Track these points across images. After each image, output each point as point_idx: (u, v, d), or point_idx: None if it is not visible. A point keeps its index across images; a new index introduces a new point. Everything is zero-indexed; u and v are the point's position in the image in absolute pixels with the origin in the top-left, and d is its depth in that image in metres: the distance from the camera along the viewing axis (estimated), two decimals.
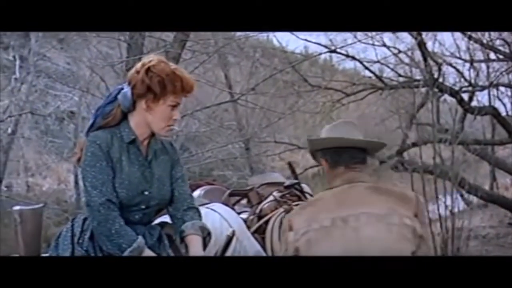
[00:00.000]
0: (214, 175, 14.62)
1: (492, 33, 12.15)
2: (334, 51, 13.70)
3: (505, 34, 11.91)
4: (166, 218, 3.69)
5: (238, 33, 12.76)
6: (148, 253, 3.28)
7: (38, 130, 21.09)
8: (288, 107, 13.82)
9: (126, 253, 3.20)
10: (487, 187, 14.85)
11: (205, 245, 3.51)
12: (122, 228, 3.24)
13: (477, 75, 13.34)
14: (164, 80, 3.31)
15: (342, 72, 17.98)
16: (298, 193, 4.81)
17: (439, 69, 12.24)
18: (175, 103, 3.38)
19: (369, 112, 16.22)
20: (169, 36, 10.54)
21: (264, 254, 4.14)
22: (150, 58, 3.41)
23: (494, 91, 13.88)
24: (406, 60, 13.83)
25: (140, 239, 3.27)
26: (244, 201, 4.99)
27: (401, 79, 13.68)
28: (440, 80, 12.18)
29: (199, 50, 11.51)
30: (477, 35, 12.13)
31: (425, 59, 12.03)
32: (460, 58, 13.50)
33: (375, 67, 14.14)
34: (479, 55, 13.39)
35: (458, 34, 12.67)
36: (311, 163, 9.22)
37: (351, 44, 13.12)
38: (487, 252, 11.09)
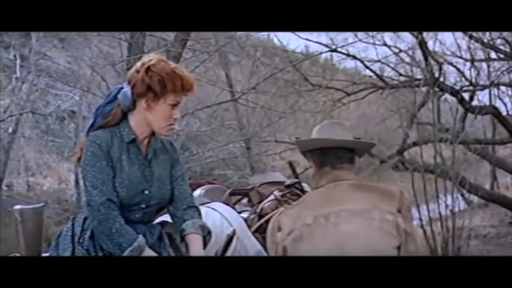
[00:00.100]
0: (215, 174, 14.61)
1: (492, 32, 12.15)
2: (335, 50, 13.73)
3: (505, 33, 11.90)
4: (166, 217, 3.69)
5: (239, 32, 12.76)
6: (148, 252, 3.28)
7: (39, 130, 21.11)
8: (289, 106, 13.84)
9: (126, 252, 3.20)
10: (487, 187, 14.86)
11: (205, 244, 3.51)
12: (122, 227, 3.24)
13: (478, 74, 13.35)
14: (164, 79, 3.30)
15: (343, 71, 18.00)
16: (298, 192, 4.80)
17: (440, 68, 12.25)
18: (175, 102, 3.38)
19: (369, 111, 16.25)
20: (169, 35, 10.55)
21: (264, 254, 4.13)
22: (150, 57, 3.41)
23: (494, 91, 13.90)
24: (407, 59, 13.87)
25: (141, 238, 3.27)
26: (244, 200, 4.98)
27: (402, 78, 13.70)
28: (441, 79, 12.20)
29: (200, 49, 11.53)
30: (477, 34, 12.14)
31: (426, 58, 12.04)
32: (461, 57, 13.51)
33: (376, 66, 14.17)
34: (480, 54, 13.41)
35: (458, 33, 12.67)
36: None
37: (352, 43, 13.15)
38: (487, 251, 11.09)
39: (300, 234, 3.57)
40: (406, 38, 13.33)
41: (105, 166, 3.31)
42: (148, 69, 3.33)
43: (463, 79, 13.25)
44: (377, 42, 13.52)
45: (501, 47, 12.85)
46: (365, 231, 3.48)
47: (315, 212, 3.60)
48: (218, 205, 4.35)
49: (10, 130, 16.56)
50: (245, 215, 4.59)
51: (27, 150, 20.38)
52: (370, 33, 12.57)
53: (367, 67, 13.92)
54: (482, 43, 12.62)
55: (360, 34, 12.82)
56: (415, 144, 12.46)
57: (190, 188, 3.71)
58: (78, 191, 15.52)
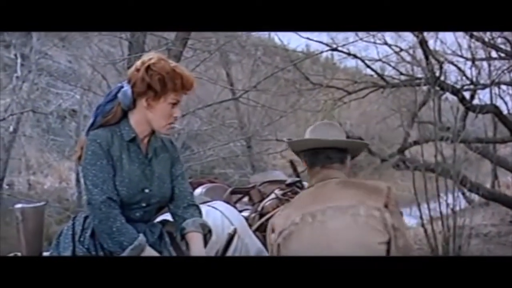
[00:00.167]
0: (216, 173, 14.61)
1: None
2: (335, 49, 13.72)
3: (506, 33, 11.90)
4: (167, 216, 3.69)
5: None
6: (149, 251, 3.28)
7: (40, 128, 21.11)
8: (289, 105, 13.86)
9: (127, 251, 3.20)
10: (488, 186, 14.84)
11: (206, 242, 3.51)
12: (123, 226, 3.24)
13: (479, 73, 13.34)
14: (165, 78, 3.30)
15: (343, 70, 18.02)
16: (299, 191, 4.81)
17: (441, 67, 12.24)
18: (175, 101, 3.38)
19: (370, 110, 16.25)
20: (170, 34, 10.55)
21: (265, 252, 4.13)
22: (150, 56, 3.40)
23: (495, 89, 13.89)
24: (408, 58, 13.87)
25: (141, 237, 3.27)
26: (245, 199, 4.98)
27: (402, 77, 13.68)
28: (442, 78, 12.18)
29: (201, 48, 11.54)
30: (478, 33, 12.13)
31: (426, 57, 12.03)
32: (461, 56, 13.51)
33: (377, 65, 14.16)
34: (481, 53, 13.40)
35: (459, 33, 12.66)
36: None
37: (352, 42, 13.16)
38: (488, 250, 11.07)
39: (289, 233, 3.63)
40: (407, 37, 13.35)
41: (105, 164, 3.31)
42: (148, 68, 3.32)
43: (464, 78, 13.26)
44: (378, 41, 13.54)
45: (502, 46, 12.84)
46: (351, 227, 3.52)
47: (303, 210, 3.66)
48: (219, 204, 4.36)
49: (11, 129, 16.57)
50: (246, 214, 4.60)
51: (28, 149, 20.37)
52: (371, 32, 12.57)
53: (368, 66, 13.91)
54: (483, 42, 12.61)
55: (361, 33, 12.83)
56: (416, 143, 12.46)
57: (190, 187, 3.71)
58: (79, 190, 15.54)
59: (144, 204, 3.42)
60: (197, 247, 3.42)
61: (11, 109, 16.01)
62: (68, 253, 3.33)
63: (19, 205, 3.72)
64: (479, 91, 13.45)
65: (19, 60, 19.33)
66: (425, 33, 11.84)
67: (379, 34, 13.13)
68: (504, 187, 16.14)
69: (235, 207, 4.58)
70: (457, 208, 10.26)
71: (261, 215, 4.54)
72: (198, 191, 4.73)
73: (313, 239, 3.56)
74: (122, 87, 3.42)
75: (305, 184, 4.93)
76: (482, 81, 13.30)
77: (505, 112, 13.55)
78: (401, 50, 13.74)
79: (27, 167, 20.54)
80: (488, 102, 13.45)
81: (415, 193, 10.26)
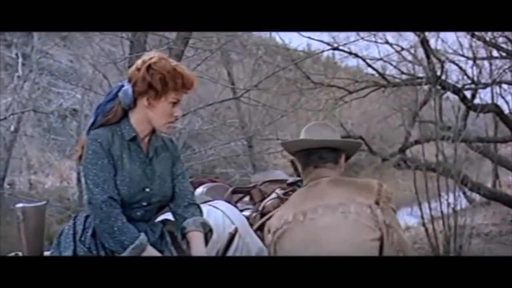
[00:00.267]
0: (217, 172, 14.61)
1: None
2: (336, 49, 13.69)
3: (507, 32, 11.88)
4: (168, 216, 3.69)
5: None
6: (150, 250, 3.28)
7: (41, 128, 21.14)
8: (290, 104, 13.85)
9: (128, 250, 3.20)
10: (489, 185, 14.83)
11: (206, 241, 3.51)
12: (124, 225, 3.24)
13: (480, 72, 13.31)
14: (166, 77, 3.30)
15: (344, 69, 18.03)
16: None
17: (442, 67, 12.23)
18: (176, 100, 3.38)
19: (371, 109, 16.25)
20: (172, 33, 10.54)
21: (266, 252, 4.14)
22: (151, 55, 3.40)
23: (497, 89, 13.87)
24: (409, 57, 13.85)
25: (143, 236, 3.27)
26: (246, 199, 4.98)
27: (403, 76, 13.65)
28: (443, 77, 12.17)
29: (202, 47, 11.54)
30: (479, 32, 12.11)
31: (428, 57, 12.01)
32: (463, 55, 13.49)
33: (378, 65, 14.12)
34: (482, 53, 13.37)
35: (461, 32, 12.66)
36: None
37: (353, 41, 13.13)
38: (489, 249, 11.06)
39: (282, 232, 3.70)
40: (408, 37, 13.33)
41: (106, 164, 3.31)
42: (149, 67, 3.32)
43: (465, 77, 13.22)
44: (379, 41, 13.51)
45: (503, 45, 12.82)
46: (341, 225, 3.57)
47: (295, 209, 3.72)
48: (220, 203, 4.36)
49: (12, 128, 16.60)
50: (247, 213, 4.60)
51: (29, 148, 20.40)
52: (372, 31, 12.57)
53: (369, 65, 13.88)
54: (484, 42, 12.59)
55: (362, 33, 12.80)
56: (417, 142, 12.44)
57: (191, 186, 3.72)
58: (79, 189, 15.52)
59: (145, 204, 3.43)
60: (198, 246, 3.42)
61: (12, 108, 16.05)
62: (69, 252, 3.33)
63: (20, 205, 3.72)
64: (480, 91, 13.43)
65: (20, 60, 19.37)
66: (426, 33, 11.83)
67: (380, 34, 13.12)
68: (505, 186, 16.12)
69: (236, 206, 4.58)
70: (458, 207, 10.24)
71: (262, 215, 4.54)
72: (199, 190, 4.72)
73: (304, 237, 3.61)
74: (122, 86, 3.42)
75: None
76: (483, 81, 13.28)
77: (506, 111, 13.53)
78: (402, 49, 13.72)
79: (28, 167, 20.56)
80: (489, 101, 13.42)
81: (416, 192, 10.24)
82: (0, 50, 19.28)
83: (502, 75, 13.30)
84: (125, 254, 3.20)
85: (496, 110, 13.00)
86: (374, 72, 14.05)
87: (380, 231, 3.53)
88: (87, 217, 3.40)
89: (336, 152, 3.90)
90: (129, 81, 3.39)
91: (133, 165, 3.38)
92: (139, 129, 3.42)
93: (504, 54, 12.98)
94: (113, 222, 3.22)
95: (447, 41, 13.63)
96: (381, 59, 13.86)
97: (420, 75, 12.66)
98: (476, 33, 11.99)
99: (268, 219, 4.29)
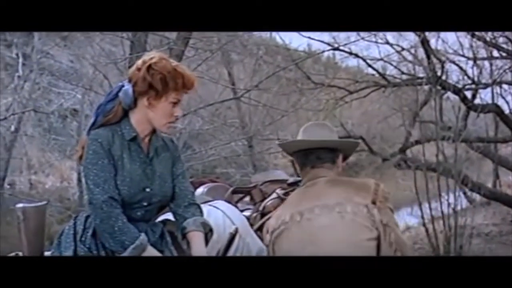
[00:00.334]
0: (217, 172, 14.62)
1: None
2: (337, 49, 13.70)
3: (508, 32, 11.88)
4: (169, 216, 3.69)
5: None
6: (150, 250, 3.28)
7: (41, 128, 21.14)
8: (291, 104, 13.86)
9: (129, 250, 3.20)
10: (490, 185, 14.83)
11: (207, 241, 3.51)
12: (124, 225, 3.24)
13: (480, 72, 13.32)
14: (166, 77, 3.30)
15: (345, 69, 18.03)
16: None
17: (442, 67, 12.24)
18: (176, 100, 3.38)
19: (372, 109, 16.26)
20: (172, 33, 10.55)
21: (267, 252, 4.14)
22: (151, 55, 3.41)
23: (497, 89, 13.89)
24: (409, 57, 13.86)
25: (143, 236, 3.27)
26: (247, 199, 4.98)
27: (404, 76, 13.67)
28: (443, 77, 12.18)
29: (202, 47, 11.54)
30: (480, 33, 12.11)
31: (428, 57, 12.02)
32: (463, 55, 13.50)
33: (378, 65, 14.14)
34: (482, 53, 13.38)
35: (461, 32, 12.66)
36: None
37: (354, 41, 13.15)
38: (490, 249, 11.07)
39: (279, 232, 3.72)
40: (409, 37, 13.34)
41: (106, 164, 3.30)
42: (149, 67, 3.32)
43: (465, 77, 13.24)
44: (380, 41, 13.52)
45: (504, 45, 12.83)
46: (338, 225, 3.58)
47: (292, 210, 3.74)
48: (221, 204, 4.36)
49: (13, 128, 16.61)
50: (247, 213, 4.60)
51: (29, 148, 20.40)
52: (373, 31, 12.58)
53: (370, 66, 13.89)
54: (485, 42, 12.60)
55: (363, 33, 12.81)
56: (417, 142, 12.46)
57: (191, 186, 3.72)
58: (80, 190, 15.53)
59: (145, 204, 3.42)
60: (198, 246, 3.42)
61: (12, 108, 16.06)
62: (69, 252, 3.33)
63: (20, 205, 3.72)
64: (480, 91, 13.44)
65: (20, 60, 19.37)
66: (426, 33, 11.83)
67: (381, 34, 13.13)
68: (505, 186, 16.11)
69: (236, 206, 4.58)
70: (459, 207, 10.26)
71: (263, 215, 4.54)
72: (199, 190, 4.72)
73: (301, 237, 3.63)
74: (123, 86, 3.42)
75: None
76: (483, 81, 13.29)
77: (506, 111, 13.53)
78: (403, 49, 13.73)
79: (28, 167, 20.56)
80: (490, 101, 13.43)
81: (417, 192, 10.26)
82: (0, 50, 19.28)
83: (503, 75, 13.31)
84: (125, 254, 3.20)
85: (496, 110, 13.01)
86: (374, 72, 14.07)
87: (377, 231, 3.54)
88: (87, 217, 3.40)
89: (333, 152, 3.92)
90: (130, 81, 3.39)
91: (133, 165, 3.38)
92: (139, 129, 3.42)
93: (504, 54, 12.99)
94: (114, 222, 3.22)
95: (447, 41, 13.65)
96: (381, 59, 13.87)
97: (421, 75, 12.67)
98: (477, 33, 12.00)
99: (269, 219, 4.29)
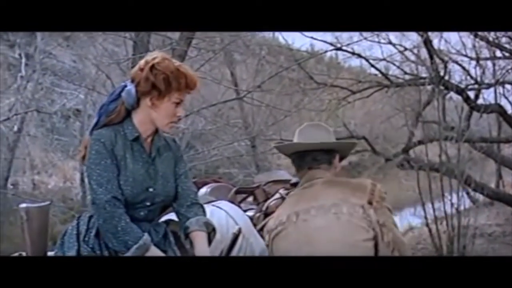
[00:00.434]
0: (220, 172, 14.63)
1: None
2: (340, 49, 13.71)
3: (511, 32, 11.87)
4: (172, 216, 3.69)
5: None
6: (154, 250, 3.27)
7: (44, 128, 21.17)
8: (294, 104, 13.86)
9: (132, 250, 3.20)
10: (493, 185, 14.83)
11: (210, 241, 3.51)
12: (128, 225, 3.24)
13: (483, 72, 13.34)
14: (169, 77, 3.30)
15: (348, 69, 18.01)
16: None
17: (445, 67, 12.24)
18: (179, 100, 3.38)
19: (374, 109, 16.26)
20: (175, 33, 10.55)
21: None
22: (154, 56, 3.40)
23: (500, 89, 13.91)
24: (412, 57, 13.87)
25: (146, 236, 3.27)
26: (250, 199, 4.99)
27: (407, 76, 13.68)
28: (446, 77, 12.17)
29: (205, 47, 11.55)
30: (483, 33, 12.10)
31: (431, 57, 12.02)
32: (466, 55, 13.50)
33: (381, 65, 14.16)
34: (485, 53, 13.38)
35: (464, 32, 12.65)
36: None
37: (357, 41, 13.16)
38: (493, 250, 11.07)
39: (277, 233, 3.75)
40: (411, 37, 13.35)
41: (109, 164, 3.30)
42: (152, 67, 3.32)
43: (468, 77, 13.25)
44: (382, 41, 13.54)
45: (507, 45, 12.81)
46: (333, 225, 3.59)
47: (289, 210, 3.77)
48: (224, 204, 4.36)
49: (16, 128, 16.61)
50: (250, 213, 4.61)
51: (32, 148, 20.43)
52: (375, 31, 12.58)
53: (372, 66, 13.91)
54: (487, 42, 12.59)
55: (365, 33, 12.81)
56: (420, 142, 12.46)
57: (193, 185, 3.71)
58: (83, 190, 15.55)
59: (148, 203, 3.42)
60: (201, 246, 3.42)
61: (15, 108, 16.05)
62: (72, 252, 3.33)
63: (23, 205, 3.72)
64: (483, 91, 13.46)
65: (23, 60, 19.40)
66: (429, 33, 11.83)
67: (384, 34, 13.14)
68: (508, 186, 16.09)
69: (239, 206, 4.58)
70: (462, 207, 10.26)
71: (266, 215, 4.54)
72: (202, 190, 4.73)
73: (297, 238, 3.65)
74: (125, 86, 3.42)
75: None
76: (486, 81, 13.30)
77: (509, 111, 13.52)
78: (406, 49, 13.74)
79: (31, 167, 20.59)
80: (493, 101, 13.45)
81: (420, 192, 10.25)
82: (3, 50, 19.29)
83: (506, 75, 13.31)
84: (128, 254, 3.20)
85: (499, 110, 13.01)
86: (377, 72, 14.09)
87: (374, 231, 3.56)
88: (90, 217, 3.40)
89: (330, 153, 3.94)
90: (132, 81, 3.39)
91: (136, 165, 3.38)
92: (142, 129, 3.42)
93: (507, 54, 12.97)
94: (117, 222, 3.22)
95: (450, 41, 13.67)
96: (384, 59, 13.89)
97: (423, 75, 12.68)
98: (479, 33, 11.99)
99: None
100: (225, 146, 14.11)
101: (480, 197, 13.93)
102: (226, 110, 15.93)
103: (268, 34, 16.10)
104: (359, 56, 13.69)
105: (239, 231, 3.95)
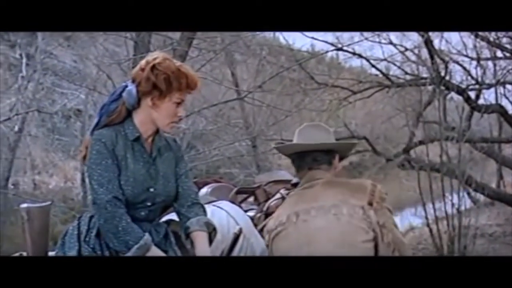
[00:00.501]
0: (221, 172, 14.63)
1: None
2: (340, 49, 13.73)
3: (511, 32, 11.88)
4: (173, 216, 3.69)
5: None
6: (154, 250, 3.27)
7: (45, 128, 21.17)
8: (294, 105, 13.87)
9: (133, 250, 3.19)
10: (494, 185, 14.83)
11: (210, 241, 3.51)
12: (128, 225, 3.24)
13: (484, 73, 13.35)
14: (170, 78, 3.30)
15: (348, 70, 18.02)
16: None
17: (446, 67, 12.25)
18: (180, 100, 3.38)
19: (375, 110, 16.27)
20: (176, 34, 10.55)
21: None
22: (155, 56, 3.40)
23: (501, 89, 13.91)
24: (413, 58, 13.88)
25: (147, 236, 3.26)
26: (251, 199, 4.98)
27: (407, 77, 13.69)
28: (447, 78, 12.18)
29: (206, 48, 11.54)
30: (483, 33, 12.11)
31: (432, 57, 12.03)
32: (467, 56, 13.51)
33: (382, 65, 14.17)
34: (486, 53, 13.38)
35: (465, 32, 12.65)
36: None
37: (357, 42, 13.17)
38: (493, 250, 11.07)
39: (276, 233, 3.76)
40: (412, 37, 13.36)
41: (110, 164, 3.30)
42: (153, 67, 3.32)
43: (469, 77, 13.27)
44: (383, 41, 13.55)
45: (507, 45, 12.82)
46: (333, 226, 3.60)
47: (289, 211, 3.78)
48: (225, 204, 4.36)
49: (16, 128, 16.60)
50: (251, 213, 4.60)
51: (33, 148, 20.44)
52: (376, 32, 12.58)
53: (373, 66, 13.92)
54: (488, 42, 12.60)
55: (366, 33, 12.82)
56: (421, 142, 12.46)
57: (194, 185, 3.71)
58: (84, 190, 15.54)
59: (149, 203, 3.42)
60: (202, 246, 3.42)
61: (16, 108, 16.05)
62: (73, 252, 3.33)
63: (24, 205, 3.71)
64: (484, 91, 13.47)
65: (24, 60, 19.41)
66: (430, 33, 11.83)
67: (384, 34, 13.15)
68: (509, 187, 16.09)
69: (240, 207, 4.58)
70: (462, 208, 10.27)
71: (267, 215, 4.54)
72: (203, 190, 4.73)
73: (297, 238, 3.66)
74: (126, 86, 3.42)
75: None
76: (487, 81, 13.31)
77: (510, 111, 13.53)
78: (406, 49, 13.75)
79: (32, 167, 20.60)
80: (493, 101, 13.46)
81: (420, 192, 10.26)
82: (4, 50, 19.30)
83: (506, 75, 13.31)
84: (129, 254, 3.20)
85: (500, 110, 13.02)
86: (378, 72, 14.10)
87: (374, 232, 3.56)
88: (91, 217, 3.40)
89: (329, 153, 3.94)
90: (133, 81, 3.38)
91: (137, 165, 3.38)
92: (142, 129, 3.42)
93: (508, 54, 12.99)
94: (118, 222, 3.22)
95: (451, 41, 13.68)
96: (385, 59, 13.90)
97: (424, 75, 12.69)
98: (480, 33, 12.00)
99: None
100: (226, 146, 14.11)
101: (481, 197, 13.94)
102: (227, 110, 15.93)
103: (269, 34, 16.10)
104: (360, 56, 13.70)
105: (240, 231, 3.95)
